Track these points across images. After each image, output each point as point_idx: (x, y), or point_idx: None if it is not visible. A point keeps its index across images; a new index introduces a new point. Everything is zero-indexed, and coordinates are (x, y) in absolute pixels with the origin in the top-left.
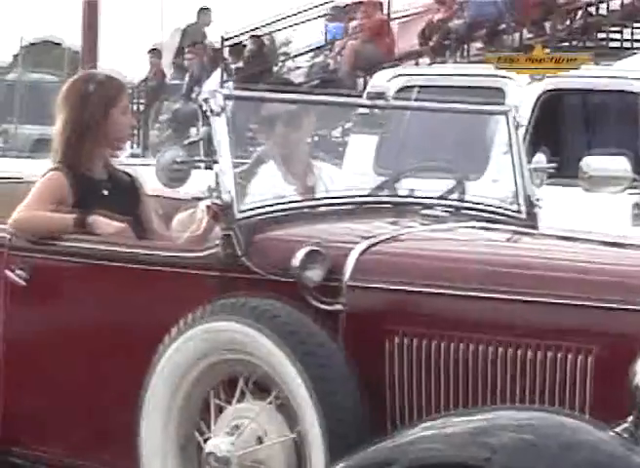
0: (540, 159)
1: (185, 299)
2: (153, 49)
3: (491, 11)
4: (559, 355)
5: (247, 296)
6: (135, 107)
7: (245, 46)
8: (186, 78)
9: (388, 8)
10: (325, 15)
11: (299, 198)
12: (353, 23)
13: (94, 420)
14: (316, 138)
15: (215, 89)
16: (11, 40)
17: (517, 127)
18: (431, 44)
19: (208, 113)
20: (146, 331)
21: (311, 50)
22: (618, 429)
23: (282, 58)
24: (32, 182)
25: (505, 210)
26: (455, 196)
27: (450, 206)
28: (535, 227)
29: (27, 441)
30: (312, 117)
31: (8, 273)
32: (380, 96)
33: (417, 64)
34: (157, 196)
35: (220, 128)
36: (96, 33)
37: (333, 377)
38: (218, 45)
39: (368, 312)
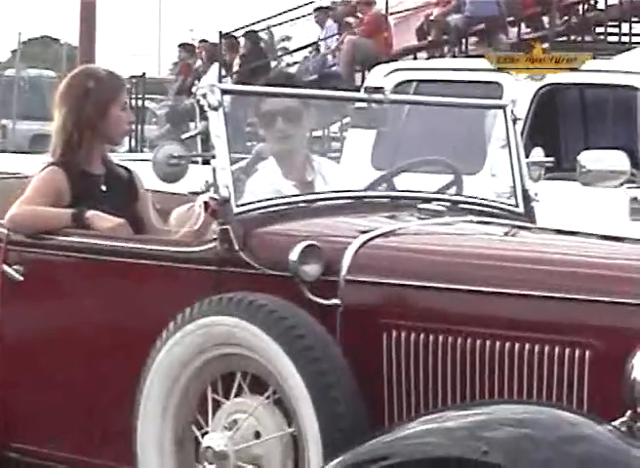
0: (538, 153)
1: (183, 294)
2: (185, 44)
3: (491, 8)
4: (556, 349)
5: (244, 291)
6: (132, 102)
7: (240, 41)
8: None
9: (386, 3)
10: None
11: (296, 193)
12: (349, 19)
13: (91, 416)
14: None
15: (212, 83)
16: (9, 36)
17: (515, 121)
18: (429, 39)
19: (205, 108)
20: (144, 327)
21: (309, 45)
22: (616, 423)
23: (280, 53)
24: (30, 178)
25: (503, 204)
26: (452, 191)
27: (447, 200)
28: (532, 222)
29: (25, 437)
30: (311, 112)
31: (5, 268)
32: (378, 90)
33: (415, 59)
34: (155, 191)
35: (217, 123)
36: (93, 29)
37: (330, 372)
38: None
39: (365, 307)
